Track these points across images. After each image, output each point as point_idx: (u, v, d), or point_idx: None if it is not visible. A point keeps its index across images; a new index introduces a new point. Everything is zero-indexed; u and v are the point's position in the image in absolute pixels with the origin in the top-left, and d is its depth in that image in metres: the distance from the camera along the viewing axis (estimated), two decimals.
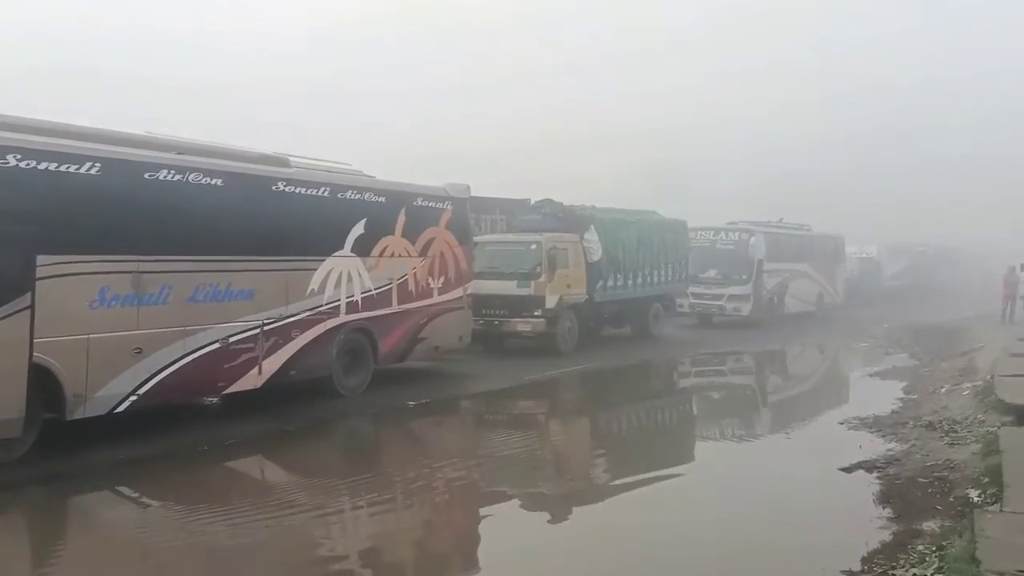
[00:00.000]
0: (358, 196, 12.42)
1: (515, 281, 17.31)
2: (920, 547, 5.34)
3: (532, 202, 20.69)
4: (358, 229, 12.34)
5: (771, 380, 18.07)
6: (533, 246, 17.62)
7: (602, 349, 18.98)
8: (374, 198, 12.70)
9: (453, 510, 8.30)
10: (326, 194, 11.83)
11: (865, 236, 38.30)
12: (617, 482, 9.24)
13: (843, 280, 31.57)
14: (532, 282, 17.32)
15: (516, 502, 8.25)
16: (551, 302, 17.45)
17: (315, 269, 11.67)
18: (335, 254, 12.00)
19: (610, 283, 19.53)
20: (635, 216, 21.25)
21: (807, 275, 28.53)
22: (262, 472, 9.75)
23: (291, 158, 11.58)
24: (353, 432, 11.60)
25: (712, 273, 25.07)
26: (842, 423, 10.92)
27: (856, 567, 5.28)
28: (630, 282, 20.28)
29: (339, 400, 12.12)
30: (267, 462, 9.93)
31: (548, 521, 7.71)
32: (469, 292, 15.03)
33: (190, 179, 9.86)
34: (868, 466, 8.30)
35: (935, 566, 4.70)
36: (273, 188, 11.02)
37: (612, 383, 16.12)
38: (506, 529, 7.41)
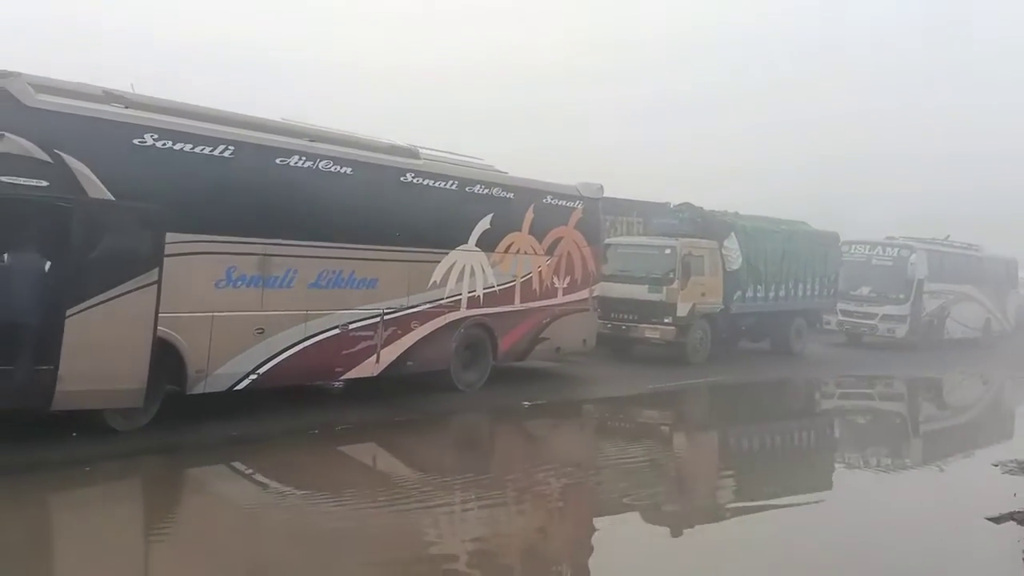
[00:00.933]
0: (486, 191, 12.29)
1: (646, 286, 16.77)
2: None
3: (671, 205, 19.98)
4: (484, 224, 12.22)
5: (922, 410, 16.65)
6: (667, 251, 16.99)
7: (736, 362, 18.12)
8: (502, 194, 12.54)
9: (566, 517, 8.02)
10: (454, 187, 11.77)
11: None
12: (741, 504, 8.70)
13: (1015, 307, 28.79)
14: (664, 288, 16.71)
15: (632, 514, 7.86)
16: (683, 310, 16.78)
17: (438, 262, 11.63)
18: (459, 248, 11.93)
19: (749, 294, 18.57)
20: (782, 225, 20.16)
21: (973, 298, 26.17)
22: (373, 460, 9.80)
23: (421, 150, 11.58)
24: (467, 428, 11.51)
25: (865, 290, 23.42)
26: (996, 465, 9.74)
27: None
28: (771, 294, 19.23)
29: (455, 395, 12.05)
30: (379, 450, 9.98)
31: (665, 537, 7.30)
32: (596, 294, 14.64)
33: (320, 166, 10.01)
34: (1021, 518, 7.28)
35: None
36: (401, 179, 11.05)
37: (744, 399, 15.30)
38: (620, 542, 7.06)
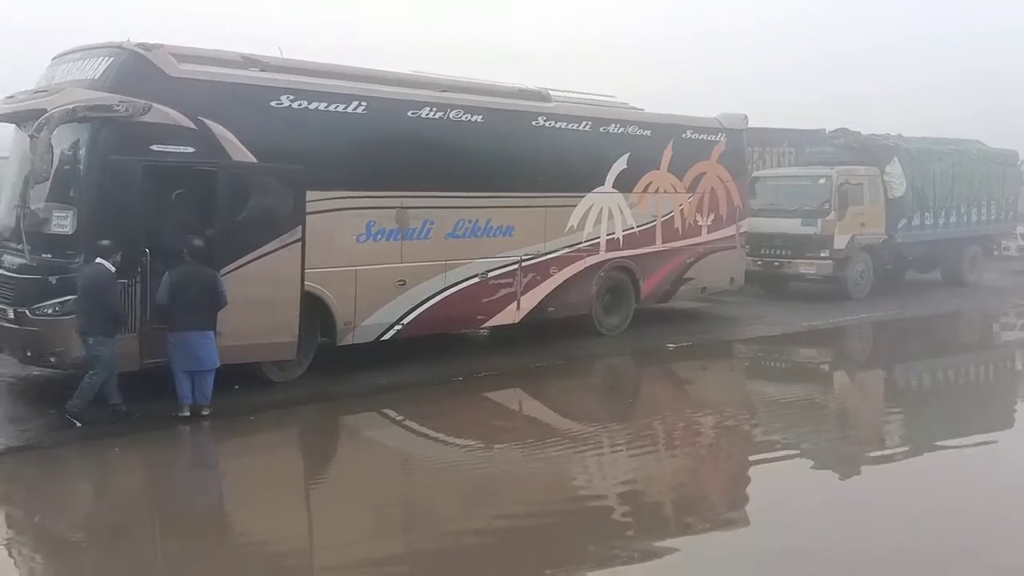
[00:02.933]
0: (621, 130, 11.93)
1: (799, 219, 15.92)
2: None
3: (826, 132, 18.73)
4: (620, 164, 11.89)
5: None
6: (821, 180, 16.02)
7: (902, 296, 16.97)
8: (638, 131, 12.14)
9: (718, 460, 7.85)
10: (587, 128, 11.49)
11: None
12: (910, 444, 8.21)
13: None
14: (819, 220, 15.82)
15: (789, 458, 7.55)
16: (840, 242, 15.83)
17: (575, 206, 11.46)
18: (596, 190, 11.70)
19: (915, 222, 17.26)
20: (951, 146, 18.49)
21: None
22: (519, 405, 9.92)
23: (552, 92, 11.34)
24: (611, 372, 11.40)
25: None
26: None
27: None
28: (941, 221, 17.81)
29: (598, 339, 11.96)
30: (524, 396, 10.08)
31: (827, 480, 6.98)
32: (744, 231, 14.02)
33: (451, 116, 10.01)
34: None
35: None
36: (533, 123, 10.90)
37: (911, 335, 14.32)
38: (777, 486, 6.82)
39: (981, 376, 11.91)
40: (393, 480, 7.02)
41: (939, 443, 7.85)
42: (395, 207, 9.60)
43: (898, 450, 8.06)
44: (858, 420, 9.48)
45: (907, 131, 18.25)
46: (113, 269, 7.33)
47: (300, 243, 8.28)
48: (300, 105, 8.73)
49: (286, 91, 8.65)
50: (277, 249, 8.16)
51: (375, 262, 9.48)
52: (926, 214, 17.45)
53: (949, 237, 18.09)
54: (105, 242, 7.32)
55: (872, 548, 5.25)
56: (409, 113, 9.68)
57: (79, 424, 7.40)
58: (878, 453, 7.79)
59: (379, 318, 9.61)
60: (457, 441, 8.17)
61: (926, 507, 6.07)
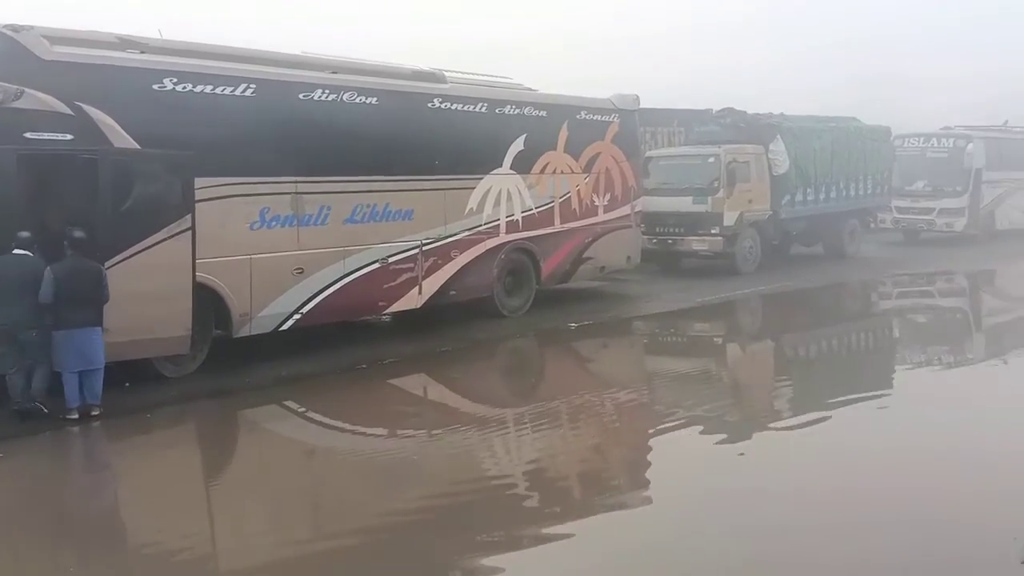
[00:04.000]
0: (517, 111, 11.96)
1: (691, 197, 16.36)
2: None
3: (713, 111, 19.29)
4: (518, 145, 11.94)
5: (985, 304, 16.08)
6: (711, 159, 16.49)
7: (788, 269, 17.66)
8: (534, 112, 12.20)
9: (621, 434, 7.97)
10: (483, 110, 11.47)
11: None
12: (798, 410, 8.55)
13: None
14: (709, 198, 16.29)
15: (688, 427, 7.73)
16: (730, 219, 16.36)
17: (473, 188, 11.44)
18: (494, 172, 11.71)
19: (798, 198, 17.99)
20: (830, 123, 19.33)
21: None
22: (424, 390, 9.84)
23: (447, 73, 11.26)
24: (515, 353, 11.47)
25: (921, 185, 22.55)
26: None
27: None
28: (822, 196, 18.61)
29: (501, 321, 12.00)
30: (430, 381, 10.01)
31: (723, 447, 7.16)
32: (638, 210, 14.32)
33: (345, 98, 9.81)
34: None
35: None
36: (429, 105, 10.80)
37: (796, 306, 14.95)
38: (677, 455, 7.00)
39: (863, 343, 12.55)
40: (297, 473, 6.85)
41: (826, 408, 8.13)
42: (290, 193, 9.35)
43: (786, 413, 8.43)
44: (751, 390, 9.82)
45: (786, 108, 19.00)
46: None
47: (189, 232, 7.95)
48: (185, 88, 8.37)
49: (169, 74, 8.27)
50: (165, 239, 7.82)
51: (270, 250, 9.21)
52: (808, 190, 18.20)
53: (830, 212, 18.93)
54: (24, 233, 7.04)
55: (762, 524, 5.32)
56: (301, 95, 9.42)
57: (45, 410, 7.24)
58: (773, 422, 8.06)
59: (277, 308, 9.35)
60: (362, 430, 8.07)
61: (812, 476, 6.27)
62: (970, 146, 22.42)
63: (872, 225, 21.30)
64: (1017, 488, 5.68)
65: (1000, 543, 4.69)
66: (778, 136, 17.48)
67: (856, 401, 8.23)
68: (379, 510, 5.85)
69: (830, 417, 7.71)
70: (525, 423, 8.12)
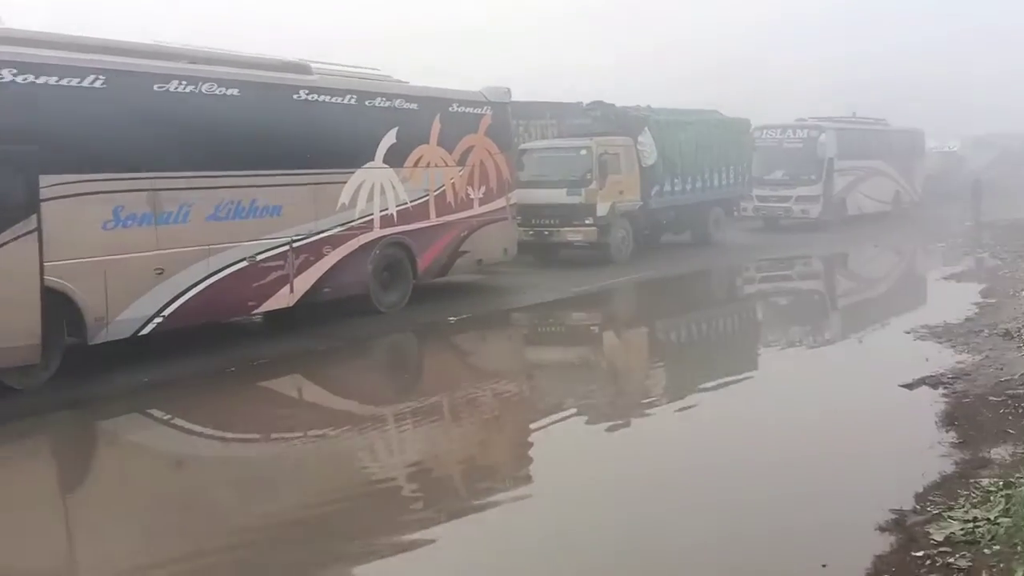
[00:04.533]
0: (388, 103, 11.76)
1: (564, 189, 16.59)
2: (985, 481, 4.64)
3: (583, 105, 19.64)
4: (389, 138, 11.74)
5: (840, 285, 17.10)
6: (583, 151, 16.76)
7: (659, 257, 18.24)
8: (406, 105, 12.03)
9: (503, 427, 7.92)
10: (352, 102, 11.22)
11: (948, 129, 35.83)
12: (673, 392, 8.75)
13: (922, 177, 29.67)
14: (582, 190, 16.56)
15: (569, 415, 7.82)
16: (602, 210, 16.69)
17: (345, 182, 11.17)
18: (366, 166, 11.47)
19: (666, 188, 18.60)
20: (693, 116, 20.07)
21: (882, 173, 26.85)
22: (299, 392, 9.55)
23: (313, 64, 10.95)
24: (393, 350, 11.30)
25: (779, 174, 23.79)
26: (909, 332, 10.01)
27: (908, 504, 4.63)
28: (688, 186, 19.30)
29: (378, 317, 11.79)
30: (304, 381, 9.70)
31: (603, 432, 7.28)
32: (513, 202, 14.40)
33: (203, 90, 9.36)
34: (933, 382, 7.46)
35: (1000, 507, 4.03)
36: (294, 97, 10.46)
37: (669, 292, 15.45)
38: (559, 443, 7.06)
39: (730, 326, 13.08)
40: (164, 484, 6.46)
41: (697, 391, 8.38)
42: (146, 189, 8.84)
43: (663, 396, 8.65)
44: (628, 376, 10.02)
45: (653, 100, 19.56)
46: None
47: (36, 233, 7.41)
48: (26, 80, 7.76)
49: (8, 64, 7.64)
50: (8, 242, 7.25)
51: (127, 251, 8.69)
52: (675, 180, 18.83)
53: (696, 201, 19.65)
54: None
55: (638, 511, 5.40)
56: (155, 87, 8.93)
57: None
58: (649, 407, 8.21)
59: (136, 311, 8.84)
60: (233, 435, 7.72)
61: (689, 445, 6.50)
62: (822, 136, 23.78)
63: (735, 213, 22.23)
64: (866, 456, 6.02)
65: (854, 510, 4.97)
66: (646, 128, 17.99)
67: (725, 383, 8.54)
68: (252, 521, 5.59)
69: (702, 400, 7.95)
70: (405, 421, 7.99)
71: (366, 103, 11.43)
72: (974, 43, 51.76)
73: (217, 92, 9.48)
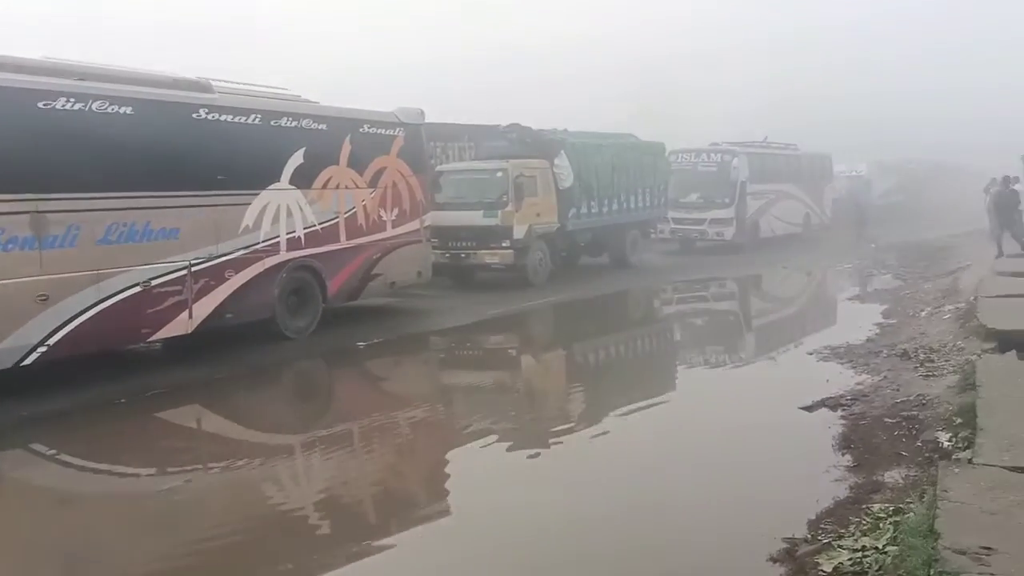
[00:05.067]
0: (294, 123, 11.47)
1: (481, 211, 16.50)
2: (876, 507, 4.63)
3: (500, 127, 19.63)
4: (296, 159, 11.45)
5: (752, 306, 17.42)
6: (499, 174, 16.71)
7: (576, 280, 18.29)
8: (313, 125, 11.76)
9: (417, 453, 7.72)
10: (257, 121, 10.90)
11: (855, 154, 37.23)
12: (590, 415, 8.70)
13: (831, 200, 30.68)
14: (499, 212, 16.49)
15: (486, 440, 7.65)
16: (519, 232, 16.64)
17: (248, 204, 10.82)
18: (271, 187, 11.14)
19: (583, 210, 18.67)
20: (609, 139, 20.26)
21: (793, 196, 27.64)
22: (198, 422, 9.11)
23: (214, 83, 10.60)
24: (300, 377, 10.93)
25: (693, 197, 24.21)
26: (812, 353, 10.19)
27: (801, 532, 4.60)
28: (605, 209, 19.43)
29: (285, 344, 11.43)
30: (204, 411, 9.27)
31: (521, 457, 7.17)
32: (428, 224, 14.22)
33: (94, 107, 8.95)
34: (832, 404, 7.55)
35: (888, 535, 4.02)
36: (194, 116, 10.10)
37: (586, 314, 15.47)
38: (476, 469, 6.91)
39: (647, 347, 13.13)
40: (48, 526, 6.01)
41: (614, 413, 8.35)
42: (29, 212, 8.36)
43: (580, 420, 8.57)
44: (545, 399, 9.94)
45: (569, 124, 19.67)
46: None
47: None
48: None
49: None
50: None
51: (7, 276, 8.20)
52: (592, 203, 18.93)
53: (613, 223, 19.80)
54: None
55: (546, 534, 5.37)
56: (40, 104, 8.48)
57: None
58: (565, 430, 8.10)
59: (17, 340, 8.33)
60: (124, 471, 7.29)
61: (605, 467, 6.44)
62: (735, 160, 24.35)
63: (652, 235, 22.49)
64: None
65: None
66: (562, 151, 18.05)
67: (636, 408, 8.49)
68: (145, 563, 5.25)
69: (612, 425, 7.90)
70: (314, 450, 7.70)
71: (271, 123, 11.12)
72: (884, 69, 54.14)
73: (109, 110, 9.07)
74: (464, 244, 16.55)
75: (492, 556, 5.03)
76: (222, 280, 10.45)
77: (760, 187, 25.21)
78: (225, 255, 10.47)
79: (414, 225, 13.71)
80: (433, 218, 14.67)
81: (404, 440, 8.09)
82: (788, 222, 27.12)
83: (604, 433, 7.69)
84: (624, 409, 8.43)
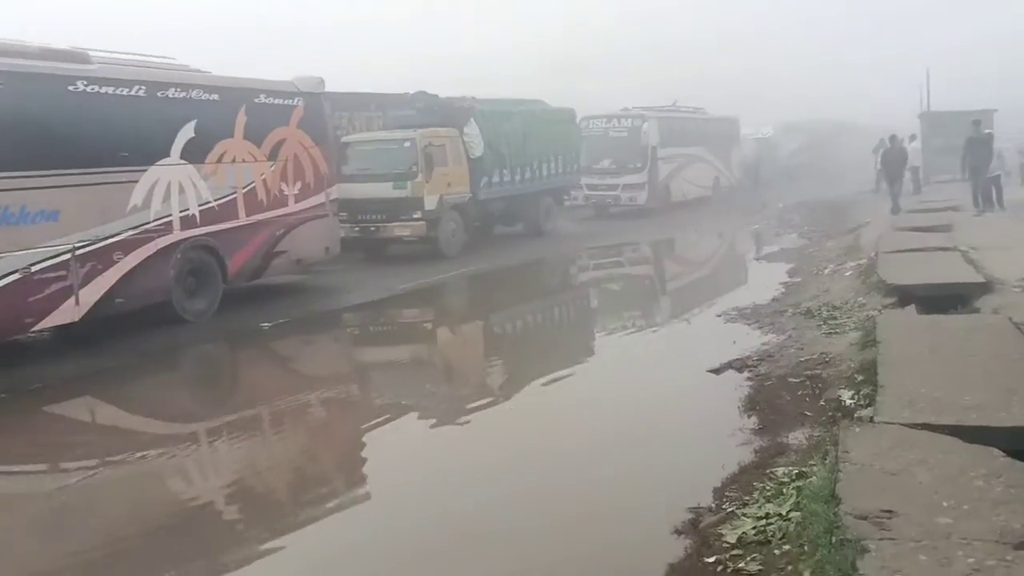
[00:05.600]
0: (183, 94, 10.86)
1: (390, 183, 16.12)
2: (780, 471, 4.60)
3: (408, 95, 19.14)
4: (187, 132, 10.86)
5: (661, 272, 17.50)
6: (407, 144, 16.31)
7: (491, 249, 18.12)
8: (204, 96, 11.16)
9: (332, 433, 7.51)
10: (142, 93, 10.27)
11: (761, 116, 37.99)
12: (509, 386, 8.58)
13: (738, 162, 31.25)
14: (409, 183, 16.14)
15: (403, 415, 7.52)
16: (430, 203, 16.33)
17: (136, 181, 10.22)
18: (160, 162, 10.54)
19: (495, 179, 18.46)
20: (519, 107, 20.01)
21: (703, 159, 28.02)
22: (92, 415, 8.64)
23: (92, 53, 9.90)
24: (201, 362, 10.46)
25: (606, 163, 24.27)
26: (720, 315, 10.26)
27: (707, 500, 4.54)
28: (517, 177, 19.25)
29: (185, 327, 10.92)
30: (97, 403, 8.75)
31: (438, 430, 7.09)
32: (334, 197, 13.76)
33: None
34: (739, 365, 7.56)
35: (791, 501, 3.98)
36: (71, 88, 9.44)
37: (502, 284, 15.28)
38: (393, 444, 6.78)
39: (564, 315, 13.05)
40: None
41: (531, 383, 8.26)
42: None
43: (499, 390, 8.45)
44: (462, 372, 9.81)
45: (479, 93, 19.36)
46: None
47: None
48: None
49: None
50: None
51: None
52: (504, 171, 18.72)
53: (526, 192, 19.65)
54: None
55: (468, 508, 5.30)
56: None
57: None
58: (482, 396, 8.07)
59: None
60: (9, 470, 6.84)
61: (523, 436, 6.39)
62: (645, 125, 24.47)
63: (566, 202, 22.45)
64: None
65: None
66: (471, 119, 17.75)
67: (550, 378, 8.37)
68: (45, 559, 4.91)
69: (534, 393, 7.84)
70: (219, 438, 7.38)
71: (158, 94, 10.50)
72: (787, 34, 55.25)
73: None
74: (374, 217, 16.16)
75: (410, 535, 4.94)
76: (110, 263, 9.86)
77: (671, 151, 25.42)
78: (112, 236, 9.87)
79: (319, 199, 13.24)
80: (340, 191, 14.23)
81: (317, 422, 7.84)
82: (699, 185, 27.50)
83: (519, 406, 7.60)
84: (539, 380, 8.33)
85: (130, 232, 10.10)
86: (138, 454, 6.86)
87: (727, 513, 4.15)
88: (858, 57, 45.22)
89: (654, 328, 11.28)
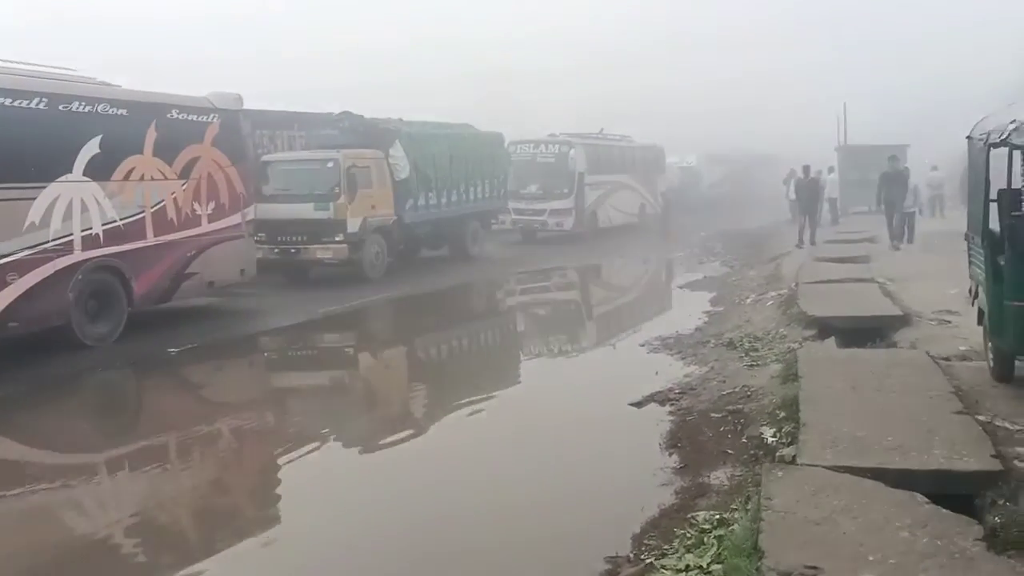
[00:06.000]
0: (88, 108, 10.32)
1: (312, 204, 15.67)
2: (701, 516, 4.44)
3: (332, 115, 18.75)
4: (91, 148, 10.32)
5: (586, 298, 17.48)
6: (330, 164, 15.92)
7: (416, 273, 17.80)
8: (111, 110, 10.65)
9: (244, 462, 7.19)
10: (42, 106, 9.73)
11: (686, 146, 38.67)
12: (430, 412, 8.46)
13: (664, 190, 31.64)
14: (331, 204, 15.73)
15: (320, 444, 7.28)
16: (353, 225, 15.94)
17: (33, 199, 9.67)
18: (61, 179, 10.00)
19: (421, 202, 18.18)
20: (446, 129, 19.84)
21: (629, 186, 28.29)
22: None
23: None
24: (103, 388, 9.87)
25: (533, 188, 24.28)
26: (643, 344, 10.18)
27: (626, 548, 4.33)
28: (443, 200, 19.02)
29: (85, 352, 10.31)
30: None
31: (357, 458, 6.95)
32: (252, 218, 13.28)
33: None
34: (661, 398, 7.44)
35: (712, 552, 3.80)
36: None
37: (426, 309, 15.02)
38: (310, 474, 6.53)
39: (487, 340, 12.83)
40: None
41: (452, 412, 8.06)
42: None
43: (419, 417, 8.31)
44: (381, 398, 9.54)
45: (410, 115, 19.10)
46: None
47: None
48: None
49: None
50: None
51: None
52: (430, 194, 18.47)
53: (452, 215, 19.43)
54: None
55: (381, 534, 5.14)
56: None
57: None
58: (402, 423, 7.87)
59: None
60: None
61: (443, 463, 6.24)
62: (572, 151, 24.58)
63: (493, 226, 22.31)
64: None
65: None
66: (397, 141, 17.49)
67: (479, 402, 8.25)
68: None
69: (453, 421, 7.66)
70: (121, 469, 7.00)
71: (60, 107, 9.95)
72: (712, 63, 56.65)
73: None
74: (294, 239, 15.70)
75: (321, 568, 4.75)
76: (3, 284, 9.27)
77: (598, 178, 25.57)
78: (6, 256, 9.28)
79: (234, 219, 12.75)
80: (260, 211, 13.79)
81: (227, 451, 7.52)
82: (625, 212, 27.72)
83: (431, 440, 7.35)
84: (457, 411, 8.12)
85: (26, 252, 9.51)
86: (31, 488, 6.45)
87: (645, 565, 3.95)
88: (780, 95, 46.61)
89: (578, 355, 11.14)
